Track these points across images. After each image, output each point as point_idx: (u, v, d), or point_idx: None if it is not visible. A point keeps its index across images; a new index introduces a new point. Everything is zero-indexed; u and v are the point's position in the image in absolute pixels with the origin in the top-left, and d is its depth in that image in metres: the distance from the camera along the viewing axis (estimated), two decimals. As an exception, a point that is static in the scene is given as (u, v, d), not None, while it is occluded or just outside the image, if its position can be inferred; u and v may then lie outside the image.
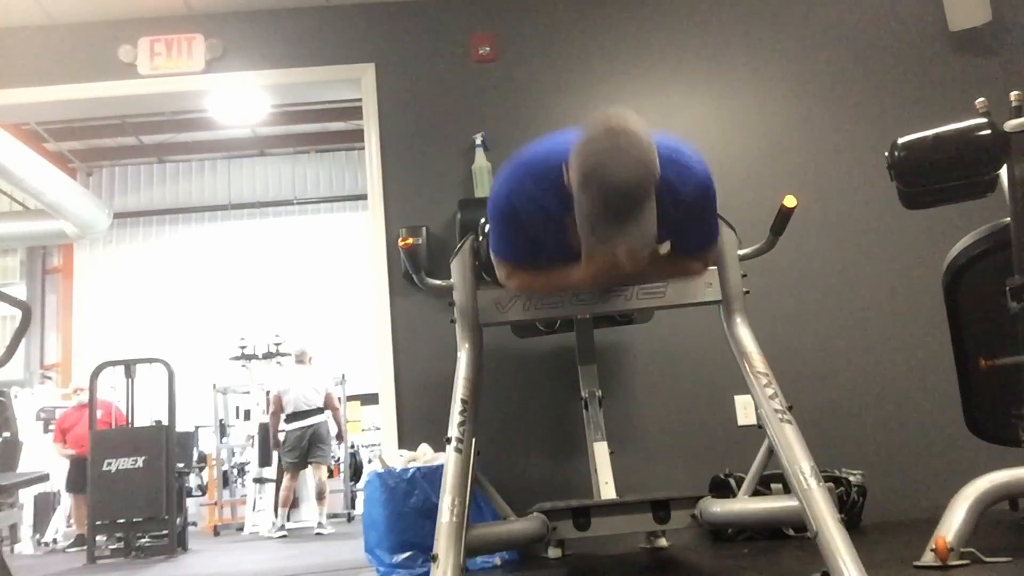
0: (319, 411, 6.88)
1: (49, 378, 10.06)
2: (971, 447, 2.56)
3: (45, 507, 7.75)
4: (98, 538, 5.36)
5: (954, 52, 3.78)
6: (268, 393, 7.48)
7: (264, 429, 7.66)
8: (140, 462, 5.38)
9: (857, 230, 3.63)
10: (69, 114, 5.80)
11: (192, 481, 8.17)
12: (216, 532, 8.22)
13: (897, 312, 3.54)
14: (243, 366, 8.54)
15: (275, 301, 10.11)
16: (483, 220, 2.16)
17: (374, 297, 3.63)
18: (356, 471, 8.64)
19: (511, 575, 2.74)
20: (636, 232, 1.66)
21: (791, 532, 2.73)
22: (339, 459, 8.47)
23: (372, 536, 2.93)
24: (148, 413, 6.50)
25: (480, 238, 2.23)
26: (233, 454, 8.86)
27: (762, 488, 2.66)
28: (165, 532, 5.38)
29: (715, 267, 2.16)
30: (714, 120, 3.74)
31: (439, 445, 2.45)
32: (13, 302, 2.77)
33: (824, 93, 3.77)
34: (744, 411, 3.39)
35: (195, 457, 8.10)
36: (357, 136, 5.60)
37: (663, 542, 2.92)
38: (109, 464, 5.38)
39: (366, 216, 3.92)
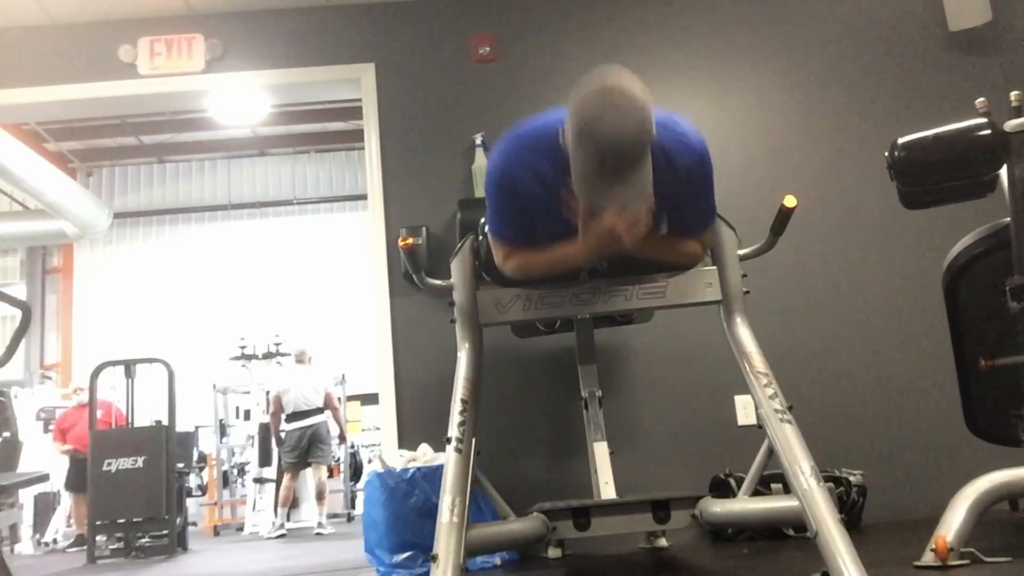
0: (319, 411, 6.88)
1: (49, 378, 10.06)
2: (971, 447, 2.56)
3: (45, 507, 7.75)
4: (98, 538, 5.37)
5: (954, 52, 3.78)
6: (268, 393, 7.48)
7: (264, 429, 7.66)
8: (140, 462, 5.39)
9: (857, 230, 3.63)
10: (69, 114, 5.80)
11: (192, 481, 8.18)
12: (216, 532, 8.22)
13: (897, 312, 3.54)
14: (243, 366, 8.54)
15: (275, 301, 10.12)
16: (483, 220, 2.16)
17: (374, 297, 3.63)
18: (356, 471, 8.64)
19: (511, 575, 2.74)
20: (632, 190, 1.66)
21: (791, 532, 2.73)
22: (339, 459, 8.47)
23: (372, 536, 2.93)
24: (148, 413, 6.50)
25: (480, 238, 2.23)
26: (233, 454, 8.86)
27: (762, 488, 2.66)
28: (165, 532, 5.38)
29: (715, 267, 2.16)
30: (714, 120, 3.73)
31: (439, 445, 2.45)
32: (13, 302, 2.77)
33: (824, 93, 3.77)
34: (744, 411, 3.39)
35: (195, 457, 8.10)
36: (357, 136, 5.60)
37: (663, 542, 2.93)
38: (109, 464, 5.38)
39: (366, 216, 3.92)
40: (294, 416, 6.80)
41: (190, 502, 7.43)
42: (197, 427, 8.31)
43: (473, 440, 2.00)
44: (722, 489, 2.95)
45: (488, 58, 3.83)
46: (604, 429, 2.71)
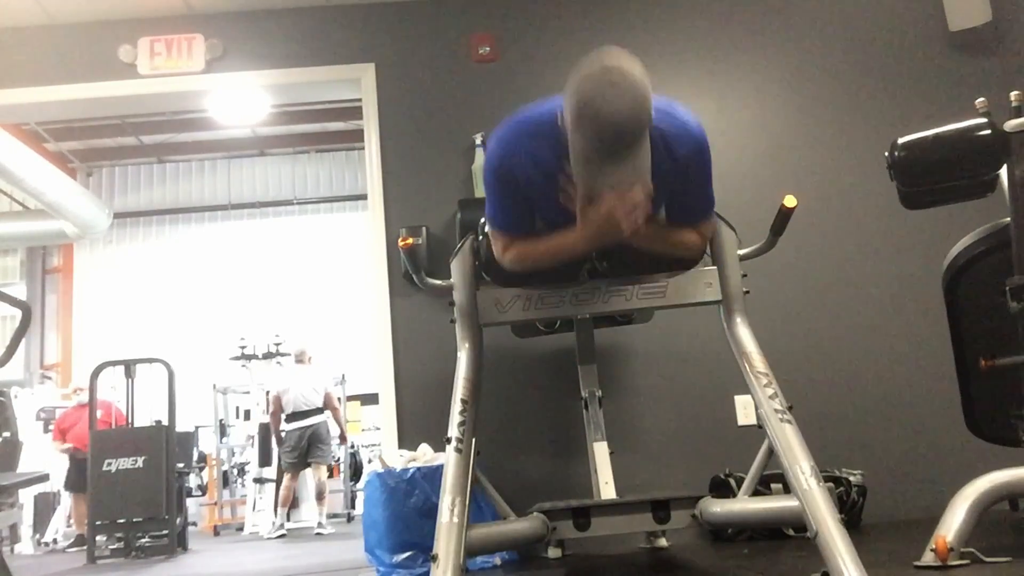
0: (318, 411, 6.88)
1: (49, 378, 10.06)
2: (971, 447, 2.56)
3: (45, 507, 7.76)
4: (98, 538, 5.37)
5: (954, 52, 3.78)
6: (268, 393, 7.48)
7: (264, 429, 7.66)
8: (140, 462, 5.39)
9: (857, 230, 3.63)
10: (69, 114, 5.80)
11: (192, 481, 8.18)
12: (216, 532, 8.22)
13: (897, 312, 3.54)
14: (243, 366, 8.54)
15: (275, 301, 10.12)
16: (482, 220, 2.16)
17: (374, 297, 3.63)
18: (356, 471, 8.64)
19: (511, 575, 2.74)
20: (630, 172, 1.65)
21: (791, 532, 2.73)
22: (339, 459, 8.47)
23: (372, 536, 2.93)
24: (148, 413, 6.50)
25: (480, 238, 2.23)
26: (233, 454, 8.86)
27: (762, 488, 2.66)
28: (165, 532, 5.39)
29: (715, 267, 2.16)
30: (714, 120, 3.73)
31: (439, 445, 2.45)
32: (13, 302, 2.77)
33: (824, 93, 3.77)
34: (744, 411, 3.39)
35: (195, 457, 8.11)
36: (357, 136, 5.60)
37: (663, 542, 2.92)
38: (109, 464, 5.38)
39: (366, 216, 3.92)
40: (294, 416, 6.80)
41: (190, 502, 7.44)
42: (197, 427, 8.32)
43: (473, 440, 2.00)
44: (722, 489, 2.95)
45: (488, 58, 3.83)
46: (604, 429, 2.71)
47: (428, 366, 3.46)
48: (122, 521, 5.34)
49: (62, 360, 10.36)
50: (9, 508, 5.91)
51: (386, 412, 3.50)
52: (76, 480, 6.81)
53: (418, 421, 3.41)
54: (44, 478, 5.87)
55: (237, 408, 9.02)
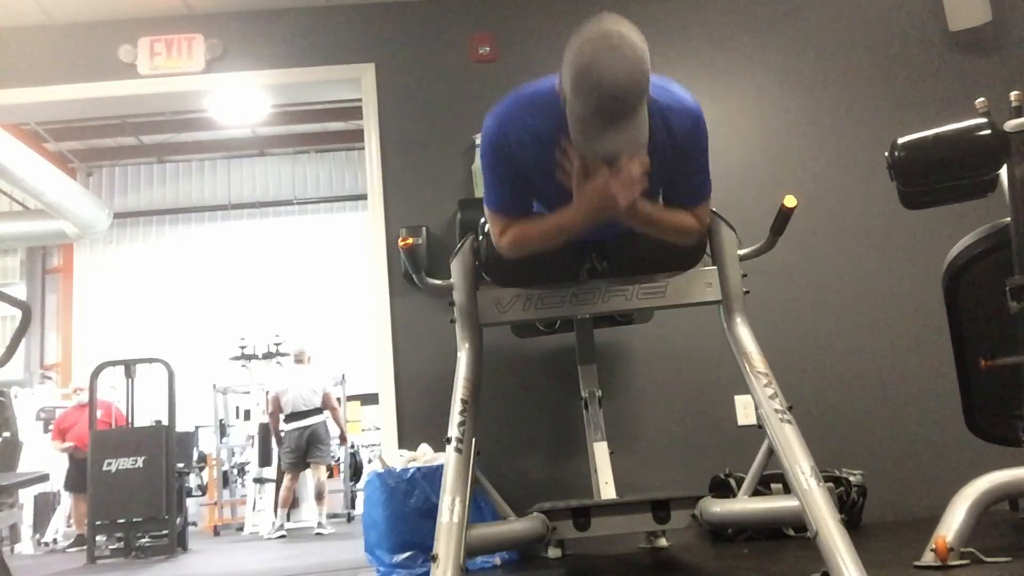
0: (318, 411, 6.88)
1: (49, 378, 10.07)
2: (971, 447, 2.56)
3: (45, 507, 7.76)
4: (98, 538, 5.37)
5: (954, 52, 3.78)
6: (267, 393, 7.49)
7: (264, 429, 7.66)
8: (140, 462, 5.39)
9: (857, 230, 3.63)
10: (69, 114, 5.80)
11: (192, 481, 8.19)
12: (216, 532, 8.22)
13: (897, 312, 3.54)
14: (243, 366, 8.55)
15: (275, 301, 10.12)
16: (482, 220, 2.16)
17: (374, 297, 3.63)
18: (356, 471, 8.64)
19: (511, 575, 2.74)
20: (627, 138, 1.64)
21: (791, 532, 2.73)
22: (339, 459, 8.47)
23: (372, 536, 2.94)
24: (148, 413, 6.50)
25: (480, 238, 2.22)
26: (233, 454, 8.86)
27: (762, 488, 2.66)
28: (165, 532, 5.38)
29: (715, 267, 2.16)
30: (714, 120, 3.68)
31: (439, 445, 2.45)
32: (13, 302, 2.77)
33: (824, 93, 3.77)
34: (744, 411, 3.39)
35: (195, 457, 8.11)
36: (357, 136, 5.60)
37: (663, 542, 2.93)
38: (109, 464, 5.38)
39: (366, 216, 3.92)
40: (293, 416, 6.80)
41: (190, 502, 7.44)
42: (197, 427, 8.32)
43: (473, 440, 2.00)
44: (722, 489, 2.95)
45: (488, 58, 3.83)
46: (604, 429, 2.71)
47: (428, 366, 3.46)
48: (122, 521, 5.34)
49: (62, 360, 10.36)
50: (9, 508, 5.90)
51: (386, 412, 3.50)
52: (76, 480, 6.81)
53: (418, 421, 3.41)
54: (44, 478, 5.86)
55: (237, 408, 9.03)
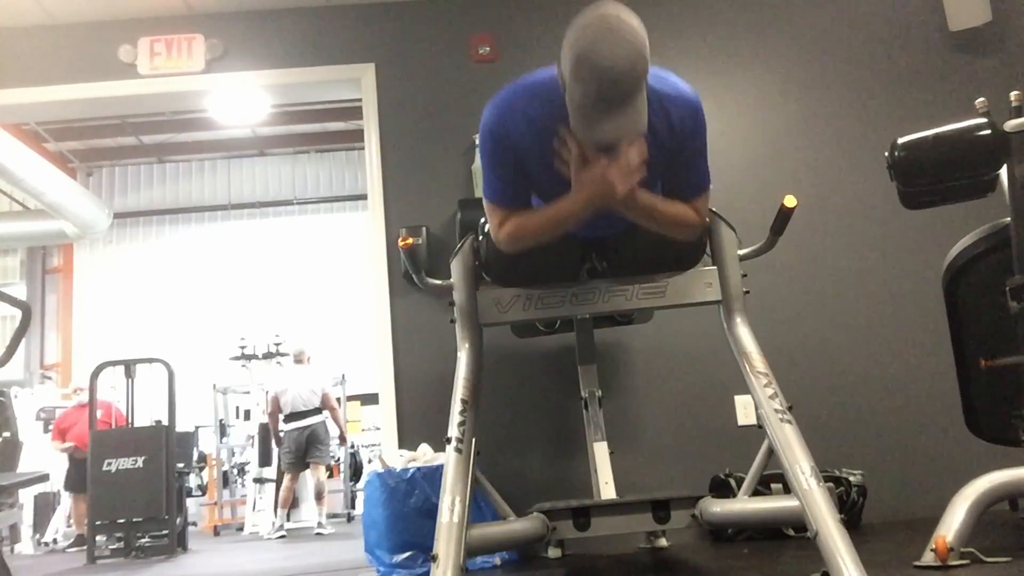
0: (317, 411, 6.87)
1: (49, 378, 10.07)
2: (971, 447, 2.56)
3: (45, 507, 7.76)
4: (98, 538, 5.37)
5: (954, 52, 3.78)
6: (267, 393, 7.49)
7: (264, 429, 7.66)
8: (140, 462, 5.39)
9: (857, 230, 3.63)
10: (69, 114, 5.80)
11: (192, 481, 8.19)
12: (216, 532, 8.22)
13: (897, 312, 3.54)
14: (243, 366, 8.55)
15: (275, 301, 10.12)
16: (482, 220, 2.16)
17: (374, 297, 3.63)
18: (356, 471, 8.64)
19: (511, 575, 2.74)
20: (627, 122, 1.64)
21: (791, 532, 2.73)
22: (339, 459, 8.47)
23: (372, 536, 2.94)
24: (148, 413, 6.50)
25: (480, 238, 2.22)
26: (233, 454, 8.86)
27: (762, 488, 2.66)
28: (165, 532, 5.38)
29: (715, 267, 2.16)
30: (714, 120, 3.69)
31: (439, 445, 2.45)
32: (13, 302, 2.77)
33: (824, 93, 3.77)
34: (744, 411, 3.39)
35: (195, 457, 8.11)
36: (357, 136, 5.60)
37: (663, 542, 2.93)
38: (109, 464, 5.38)
39: (366, 216, 3.92)
40: (292, 416, 6.80)
41: (190, 502, 7.44)
42: (197, 427, 8.32)
43: (473, 440, 2.00)
44: (722, 489, 2.95)
45: (488, 58, 3.83)
46: (604, 429, 2.71)
47: (428, 366, 3.46)
48: (122, 521, 5.34)
49: (62, 360, 10.37)
50: (9, 508, 5.91)
51: (386, 412, 3.50)
52: (76, 480, 6.81)
53: (418, 421, 3.41)
54: (44, 478, 5.86)
55: (237, 408, 9.03)
